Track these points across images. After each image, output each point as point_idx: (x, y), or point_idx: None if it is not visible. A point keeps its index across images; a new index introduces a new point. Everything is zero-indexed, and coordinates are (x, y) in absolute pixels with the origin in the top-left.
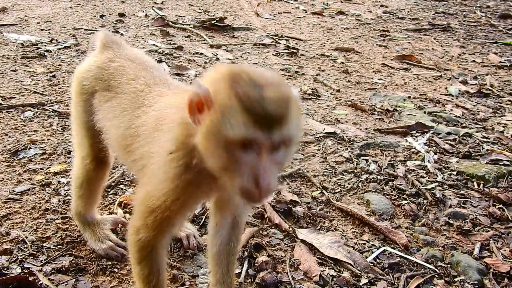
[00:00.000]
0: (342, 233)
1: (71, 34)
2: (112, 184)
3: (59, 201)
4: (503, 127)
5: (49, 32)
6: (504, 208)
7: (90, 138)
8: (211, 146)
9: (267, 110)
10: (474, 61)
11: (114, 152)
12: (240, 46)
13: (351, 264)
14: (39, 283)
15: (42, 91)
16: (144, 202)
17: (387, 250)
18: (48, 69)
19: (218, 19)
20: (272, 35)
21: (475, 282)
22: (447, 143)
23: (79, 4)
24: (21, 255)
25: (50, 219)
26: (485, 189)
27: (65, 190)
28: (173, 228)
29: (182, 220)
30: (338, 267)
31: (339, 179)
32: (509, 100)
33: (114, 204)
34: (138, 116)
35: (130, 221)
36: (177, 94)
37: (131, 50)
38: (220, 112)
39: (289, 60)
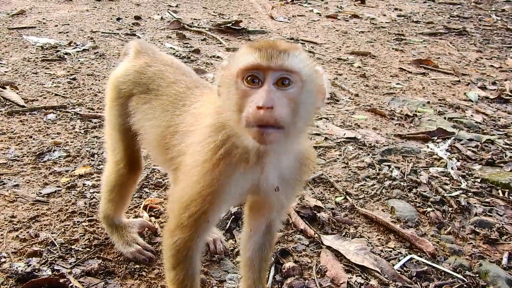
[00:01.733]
0: (368, 240)
1: (88, 37)
2: (137, 187)
3: (85, 203)
4: None
5: (67, 35)
6: None
7: (125, 142)
8: (227, 93)
9: (269, 43)
10: (492, 65)
11: (151, 152)
12: None
13: (378, 272)
14: (70, 285)
15: (64, 94)
16: (179, 199)
17: (414, 258)
18: (68, 71)
19: (233, 22)
20: (287, 38)
21: None
22: (469, 149)
23: (95, 7)
24: (50, 257)
25: (78, 221)
26: (510, 197)
27: (90, 192)
28: (209, 225)
29: (217, 216)
30: (366, 275)
31: (362, 185)
32: None
33: (139, 207)
34: (179, 115)
35: (165, 227)
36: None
37: (165, 55)
38: (233, 62)
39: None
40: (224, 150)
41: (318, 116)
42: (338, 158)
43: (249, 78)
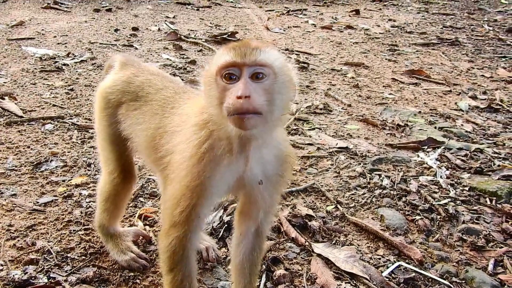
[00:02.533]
0: (357, 247)
1: (86, 48)
2: (132, 197)
3: (81, 212)
4: None
5: (66, 46)
6: None
7: (117, 151)
8: (208, 90)
9: (242, 42)
10: (483, 75)
11: (141, 154)
12: None
13: (367, 279)
14: None
15: (61, 104)
16: (170, 197)
17: (402, 265)
18: (66, 82)
19: (229, 33)
20: (282, 49)
21: None
22: (458, 158)
23: (94, 18)
24: (47, 265)
25: (74, 230)
26: (497, 205)
27: (86, 202)
28: (200, 221)
29: (207, 210)
30: (354, 282)
31: (352, 194)
32: None
33: (134, 216)
34: (167, 117)
35: (160, 231)
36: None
37: (151, 66)
38: (212, 63)
39: (300, 74)
40: (208, 144)
41: (311, 126)
42: (330, 168)
43: (226, 75)
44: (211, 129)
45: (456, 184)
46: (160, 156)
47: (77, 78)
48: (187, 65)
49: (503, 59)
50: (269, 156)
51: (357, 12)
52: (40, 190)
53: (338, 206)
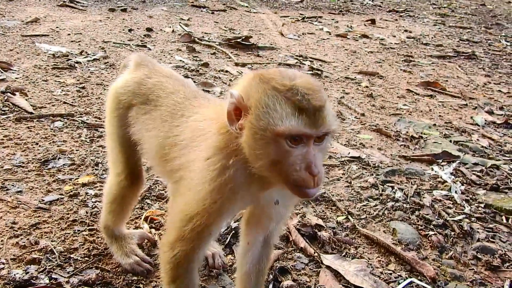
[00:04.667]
0: (368, 261)
1: (100, 46)
2: (139, 198)
3: (86, 212)
4: None
5: (79, 44)
6: None
7: (125, 153)
8: (259, 145)
9: (312, 103)
10: (500, 91)
11: (150, 162)
12: (265, 65)
13: None
14: None
15: (72, 102)
16: (181, 212)
17: (414, 282)
18: (78, 80)
19: (243, 37)
20: (296, 55)
21: None
22: (474, 174)
23: (109, 18)
24: (49, 265)
25: (78, 230)
26: None
27: (92, 202)
28: (210, 238)
29: (219, 229)
30: None
31: (364, 205)
32: None
33: (140, 218)
34: (177, 126)
35: (163, 239)
36: (214, 107)
37: (165, 68)
38: (262, 111)
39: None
40: (233, 172)
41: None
42: (341, 177)
43: (292, 140)
44: (232, 163)
45: (471, 200)
46: (171, 169)
47: (89, 77)
48: (200, 67)
49: None
50: None
51: (372, 21)
52: (46, 188)
53: (349, 217)
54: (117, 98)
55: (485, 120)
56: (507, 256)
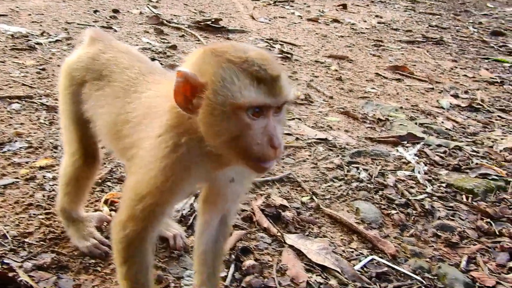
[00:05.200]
0: (331, 240)
1: (63, 27)
2: (99, 181)
3: (43, 196)
4: (493, 142)
5: (41, 25)
6: (491, 222)
7: (79, 132)
8: (218, 121)
9: (270, 73)
10: (465, 75)
11: (103, 140)
12: None
13: (338, 272)
14: (19, 279)
15: (31, 84)
16: (133, 190)
17: (375, 259)
18: (38, 61)
19: (213, 20)
20: (266, 39)
21: None
22: (437, 155)
23: None
24: (1, 251)
25: (34, 214)
26: (473, 202)
27: (50, 185)
28: (162, 218)
29: (171, 208)
30: (326, 274)
31: (329, 186)
32: (498, 116)
33: (100, 201)
34: (130, 103)
35: (115, 218)
36: (168, 83)
37: (121, 43)
38: (220, 86)
39: (283, 64)
40: (184, 149)
41: (291, 117)
42: (307, 159)
43: (253, 112)
44: (184, 141)
45: (433, 180)
46: (124, 147)
47: (50, 58)
48: (167, 49)
49: (486, 60)
50: None
51: (344, 6)
52: (1, 171)
53: (314, 197)
54: (70, 74)
55: (450, 104)
56: (465, 233)
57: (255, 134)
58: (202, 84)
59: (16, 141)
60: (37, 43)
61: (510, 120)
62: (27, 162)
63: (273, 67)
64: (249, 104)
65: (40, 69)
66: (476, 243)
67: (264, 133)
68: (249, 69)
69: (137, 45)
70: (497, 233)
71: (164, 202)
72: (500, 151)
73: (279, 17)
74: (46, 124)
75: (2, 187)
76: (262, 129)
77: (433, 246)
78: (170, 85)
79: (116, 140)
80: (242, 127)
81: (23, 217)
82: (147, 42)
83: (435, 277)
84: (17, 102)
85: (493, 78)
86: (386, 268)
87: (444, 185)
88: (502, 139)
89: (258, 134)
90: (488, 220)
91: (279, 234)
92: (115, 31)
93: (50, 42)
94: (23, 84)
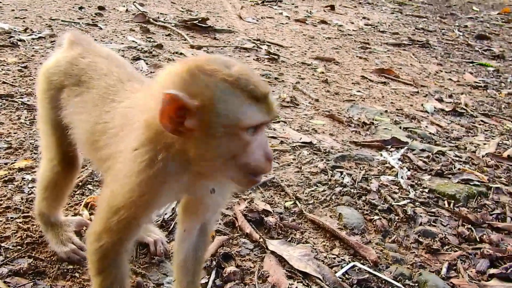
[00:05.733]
0: (313, 246)
1: (47, 24)
2: (80, 184)
3: (21, 198)
4: (475, 147)
5: (24, 21)
6: (472, 228)
7: (58, 138)
8: (217, 142)
9: (263, 91)
10: (450, 79)
11: (81, 148)
12: (221, 49)
13: (319, 279)
14: None
15: (12, 82)
16: (108, 202)
17: (357, 266)
18: (20, 59)
19: (200, 19)
20: (254, 39)
21: None
22: (420, 159)
23: None
24: None
25: (11, 217)
26: (455, 208)
27: (29, 187)
28: (138, 230)
29: (148, 220)
30: (307, 281)
31: (312, 190)
32: (482, 121)
33: (80, 205)
34: (108, 112)
35: (89, 228)
36: (144, 93)
37: (101, 47)
38: (221, 107)
39: (270, 66)
40: (162, 165)
41: (276, 119)
42: (292, 162)
43: (252, 130)
44: (160, 158)
45: (416, 186)
46: (100, 158)
47: (32, 56)
48: (153, 48)
49: (471, 64)
50: None
51: (332, 7)
52: None
53: (297, 202)
54: (48, 78)
55: (435, 108)
56: (446, 240)
57: (253, 150)
58: (196, 106)
59: None
60: (20, 40)
61: (493, 125)
62: (5, 164)
63: (262, 83)
64: (252, 124)
65: (22, 67)
66: (457, 249)
67: (260, 148)
68: (245, 88)
69: (122, 43)
70: (478, 239)
71: (140, 216)
72: (483, 156)
73: (266, 17)
74: (27, 124)
75: None
76: (259, 145)
77: (414, 252)
78: (146, 96)
79: (93, 150)
80: (242, 146)
81: (0, 221)
82: (133, 41)
83: (416, 284)
84: None
85: (477, 82)
86: (367, 275)
87: (426, 190)
88: (484, 144)
89: (256, 150)
90: (469, 226)
91: (261, 240)
92: (100, 28)
93: (33, 39)
94: (4, 82)
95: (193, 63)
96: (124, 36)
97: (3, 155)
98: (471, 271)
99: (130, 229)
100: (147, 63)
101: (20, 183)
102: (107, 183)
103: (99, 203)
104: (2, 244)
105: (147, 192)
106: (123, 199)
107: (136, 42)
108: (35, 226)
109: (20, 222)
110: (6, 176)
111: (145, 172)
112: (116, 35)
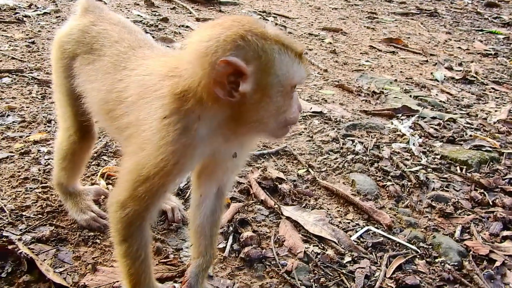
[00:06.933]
0: (327, 211)
1: (51, 0)
2: (95, 155)
3: (39, 170)
4: (486, 114)
5: None
6: (485, 193)
7: (73, 107)
8: (273, 101)
9: (303, 50)
10: (459, 47)
11: (96, 117)
12: None
13: (335, 242)
14: (19, 252)
15: (21, 58)
16: (134, 172)
17: (371, 230)
18: (27, 35)
19: None
20: (259, 11)
21: (455, 263)
22: (431, 127)
23: None
24: None
25: (30, 188)
26: (467, 173)
27: (45, 159)
28: (165, 196)
29: (175, 185)
30: (323, 245)
31: (325, 158)
32: (492, 88)
33: (97, 175)
34: (120, 80)
35: (111, 197)
36: (161, 60)
37: (114, 14)
38: (278, 68)
39: None
40: (196, 132)
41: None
42: (303, 132)
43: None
44: (199, 118)
45: (428, 152)
46: (118, 126)
47: (39, 31)
48: (158, 22)
49: (480, 32)
50: None
51: None
52: None
53: (310, 170)
54: (62, 47)
55: (445, 76)
56: (459, 204)
57: (293, 104)
58: (252, 70)
59: (8, 115)
60: (25, 16)
61: (504, 92)
62: (21, 137)
63: (297, 42)
64: (300, 81)
65: (29, 42)
66: (470, 213)
67: (296, 101)
68: (293, 49)
69: (127, 17)
70: (491, 203)
71: (169, 183)
72: (494, 123)
73: None
74: (39, 98)
75: None
76: (296, 99)
77: (427, 216)
78: (166, 62)
79: (110, 119)
80: (289, 101)
81: (20, 191)
82: (138, 15)
83: (430, 247)
84: (8, 76)
85: (487, 50)
86: (381, 238)
87: (438, 156)
88: (495, 111)
89: (294, 104)
90: (482, 190)
91: (276, 206)
92: (105, 3)
93: (38, 14)
94: (13, 58)
95: (241, 28)
96: (129, 10)
97: (17, 129)
98: (485, 234)
99: (158, 196)
100: (153, 37)
101: (36, 155)
102: (130, 152)
103: (122, 172)
104: (24, 213)
105: (182, 159)
106: (155, 168)
107: (141, 16)
108: (54, 196)
109: (39, 192)
110: (22, 149)
111: (179, 141)
112: (121, 9)
